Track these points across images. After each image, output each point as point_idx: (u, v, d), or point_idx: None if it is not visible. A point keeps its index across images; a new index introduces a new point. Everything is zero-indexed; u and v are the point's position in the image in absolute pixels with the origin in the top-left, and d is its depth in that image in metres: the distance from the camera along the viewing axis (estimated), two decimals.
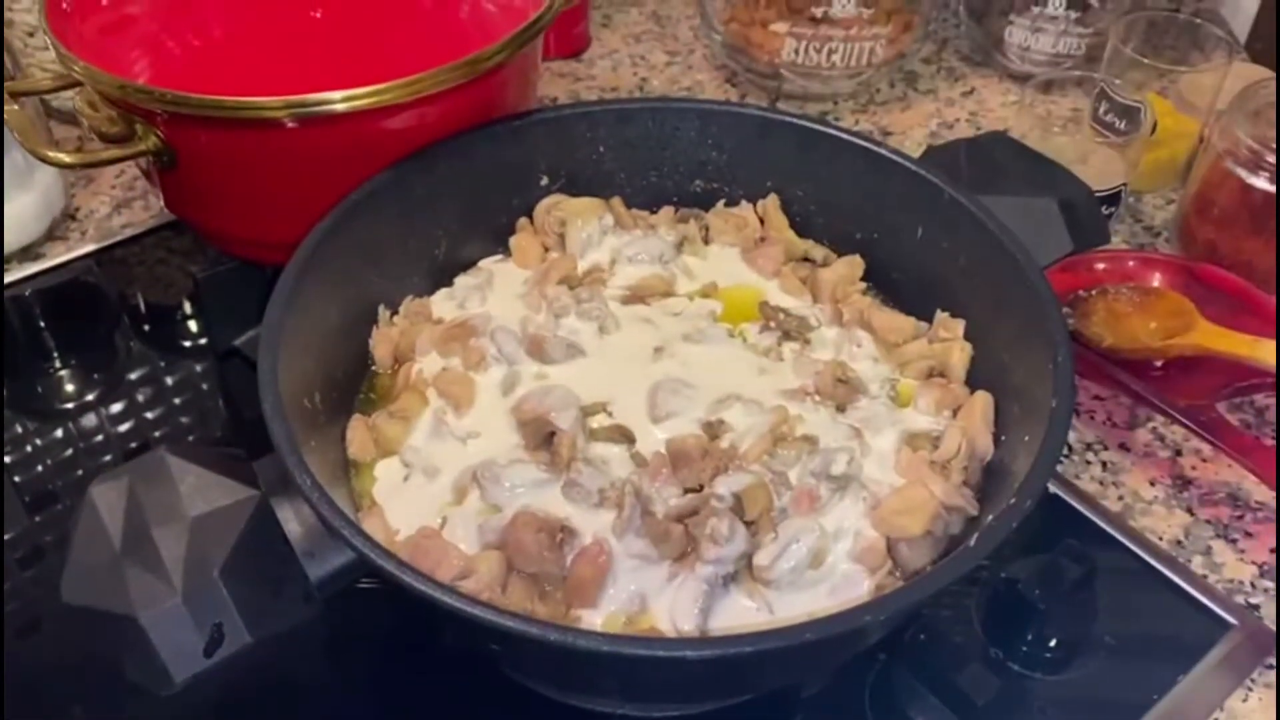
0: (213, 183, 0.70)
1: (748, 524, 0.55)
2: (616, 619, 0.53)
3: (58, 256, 0.91)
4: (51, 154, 0.67)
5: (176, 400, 0.80)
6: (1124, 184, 0.88)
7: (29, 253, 0.91)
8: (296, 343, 0.58)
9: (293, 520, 0.52)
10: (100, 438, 0.78)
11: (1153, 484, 0.74)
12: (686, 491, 0.57)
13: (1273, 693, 0.62)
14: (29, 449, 0.76)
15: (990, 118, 1.07)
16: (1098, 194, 0.79)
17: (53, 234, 0.93)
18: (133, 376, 0.82)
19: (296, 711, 0.61)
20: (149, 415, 0.79)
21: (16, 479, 0.74)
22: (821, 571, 0.55)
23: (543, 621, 0.46)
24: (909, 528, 0.54)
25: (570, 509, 0.56)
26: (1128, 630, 0.65)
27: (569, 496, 0.57)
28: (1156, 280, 0.78)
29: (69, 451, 0.76)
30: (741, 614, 0.53)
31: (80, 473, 0.75)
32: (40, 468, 0.75)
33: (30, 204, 0.90)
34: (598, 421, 0.61)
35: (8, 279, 0.89)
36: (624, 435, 0.60)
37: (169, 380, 0.82)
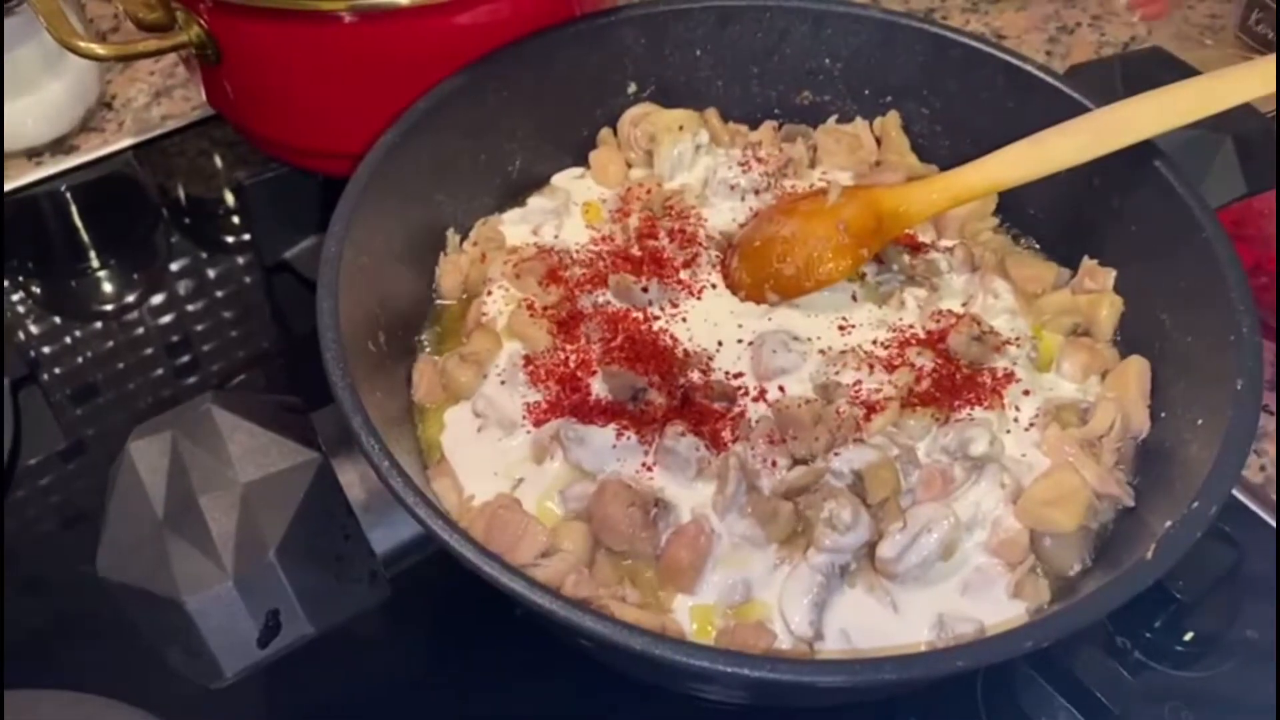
0: (260, 82, 0.63)
1: (868, 507, 0.48)
2: (717, 609, 0.47)
3: (94, 150, 0.84)
4: (82, 44, 0.61)
5: (226, 314, 0.74)
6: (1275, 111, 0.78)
7: (61, 145, 0.85)
8: (358, 280, 0.51)
9: (357, 485, 0.46)
10: (141, 331, 0.73)
11: None
12: (796, 463, 0.50)
13: None
14: (66, 349, 0.72)
15: (1116, 23, 0.95)
16: None
17: (87, 125, 0.86)
18: (175, 270, 0.77)
19: (364, 711, 0.54)
20: (197, 328, 0.73)
21: (51, 374, 0.71)
22: (952, 564, 0.48)
23: (665, 639, 0.39)
24: (1060, 522, 0.47)
25: (665, 479, 0.50)
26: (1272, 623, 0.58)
27: (663, 465, 0.50)
28: None
29: (107, 353, 0.72)
30: (861, 610, 0.47)
31: (122, 365, 0.71)
32: (80, 360, 0.71)
33: (61, 92, 0.83)
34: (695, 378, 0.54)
35: (40, 174, 0.82)
36: (725, 395, 0.53)
37: (218, 293, 0.76)
